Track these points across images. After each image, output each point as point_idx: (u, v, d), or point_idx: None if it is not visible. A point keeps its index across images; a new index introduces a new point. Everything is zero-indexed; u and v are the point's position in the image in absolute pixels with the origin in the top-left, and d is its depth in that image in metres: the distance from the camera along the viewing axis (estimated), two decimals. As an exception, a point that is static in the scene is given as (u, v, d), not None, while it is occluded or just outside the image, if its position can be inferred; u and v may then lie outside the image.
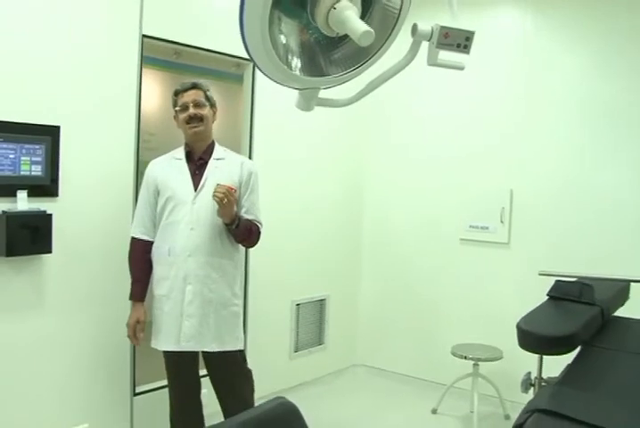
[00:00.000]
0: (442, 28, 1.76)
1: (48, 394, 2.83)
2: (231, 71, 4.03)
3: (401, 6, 1.71)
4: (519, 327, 1.99)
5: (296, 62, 1.71)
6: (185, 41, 3.33)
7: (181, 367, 2.87)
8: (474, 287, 4.34)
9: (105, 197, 3.03)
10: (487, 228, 4.27)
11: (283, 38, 1.66)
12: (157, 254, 2.81)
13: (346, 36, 1.68)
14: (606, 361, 1.92)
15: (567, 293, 2.24)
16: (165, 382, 3.03)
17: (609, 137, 3.81)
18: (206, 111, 2.84)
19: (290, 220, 4.15)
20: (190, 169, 2.82)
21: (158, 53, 3.21)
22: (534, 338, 1.91)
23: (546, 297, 2.39)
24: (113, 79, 3.04)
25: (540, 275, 2.47)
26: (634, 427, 1.40)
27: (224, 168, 2.84)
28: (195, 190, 2.77)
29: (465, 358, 3.85)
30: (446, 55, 1.83)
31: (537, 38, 4.07)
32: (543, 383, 2.00)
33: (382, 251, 4.85)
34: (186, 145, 2.89)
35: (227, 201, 2.59)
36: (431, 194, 4.57)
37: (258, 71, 3.67)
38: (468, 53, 1.82)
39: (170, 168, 2.84)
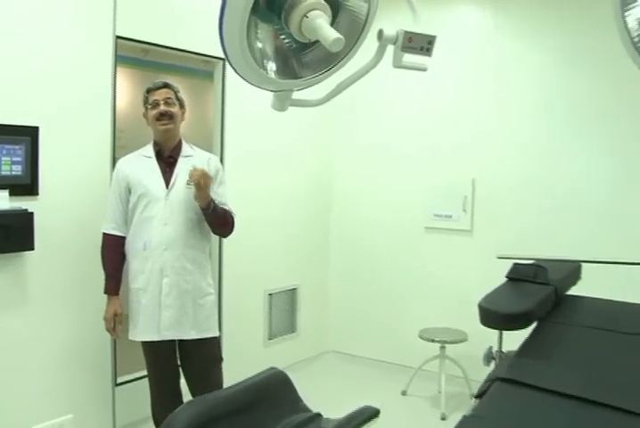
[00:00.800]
0: (406, 33, 1.91)
1: (33, 387, 2.92)
2: (200, 68, 4.12)
3: (368, 13, 1.85)
4: (480, 306, 2.18)
5: (271, 66, 1.83)
6: (158, 41, 3.42)
7: (160, 356, 2.95)
8: (439, 273, 4.53)
9: (83, 194, 3.12)
10: (450, 217, 4.46)
11: (259, 44, 1.78)
12: (132, 249, 2.90)
13: (316, 40, 1.82)
14: (559, 334, 2.12)
15: (524, 275, 2.45)
16: (145, 373, 3.13)
17: (568, 130, 4.02)
18: (176, 110, 2.92)
19: (261, 213, 4.28)
20: (160, 167, 2.91)
21: (126, 51, 3.28)
22: (494, 315, 2.10)
23: (506, 279, 2.59)
24: (89, 81, 3.12)
25: (499, 258, 2.66)
26: (582, 390, 1.58)
27: (192, 164, 2.90)
28: (167, 187, 2.87)
29: (432, 340, 4.04)
30: (410, 58, 1.97)
31: (498, 37, 4.26)
32: (503, 357, 2.18)
33: (350, 241, 5.02)
34: (155, 144, 2.97)
35: (204, 183, 2.70)
36: (397, 186, 4.75)
37: (228, 68, 3.81)
38: (430, 55, 1.96)
39: (141, 166, 2.91)
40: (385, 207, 4.80)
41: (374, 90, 4.53)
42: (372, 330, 4.91)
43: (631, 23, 1.72)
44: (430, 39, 1.94)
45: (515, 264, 2.56)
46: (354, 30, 1.85)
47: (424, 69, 2.04)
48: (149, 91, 2.93)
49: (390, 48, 1.95)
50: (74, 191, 3.07)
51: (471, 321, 4.20)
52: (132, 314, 2.93)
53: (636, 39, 1.73)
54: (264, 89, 1.91)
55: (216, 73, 3.89)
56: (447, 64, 4.26)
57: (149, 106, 2.91)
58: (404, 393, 4.23)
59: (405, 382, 4.25)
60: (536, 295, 2.23)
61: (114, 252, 2.91)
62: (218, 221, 2.91)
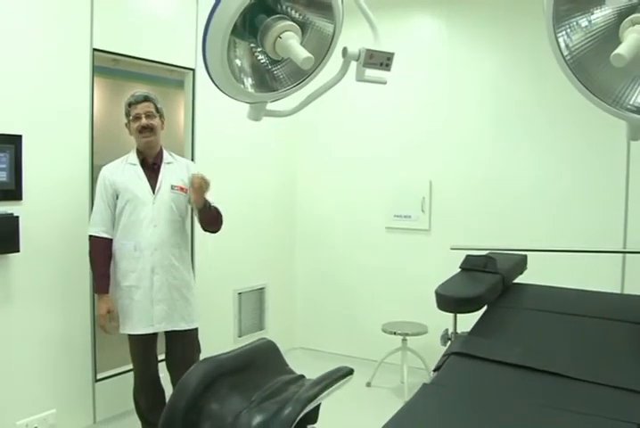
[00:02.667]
0: (367, 50, 2.15)
1: (17, 383, 3.06)
2: (170, 77, 4.26)
3: (333, 33, 2.08)
4: (437, 292, 2.47)
5: (248, 81, 2.05)
6: (132, 53, 3.60)
7: (148, 347, 3.17)
8: (400, 270, 4.79)
9: (64, 199, 3.28)
10: (409, 217, 4.72)
11: (237, 61, 2.00)
12: (122, 250, 3.10)
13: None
14: (506, 316, 2.40)
15: (475, 265, 2.73)
16: (123, 369, 3.41)
17: (519, 133, 4.32)
18: (156, 122, 3.14)
19: (230, 216, 4.42)
20: (145, 174, 3.14)
21: (97, 61, 3.43)
22: (449, 300, 2.39)
23: (459, 270, 2.89)
24: (68, 91, 3.29)
25: (452, 249, 2.96)
26: (523, 359, 1.84)
27: (174, 170, 3.21)
28: (153, 191, 3.11)
29: (394, 333, 4.28)
30: (371, 72, 2.21)
31: (452, 45, 4.55)
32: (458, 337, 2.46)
33: (315, 242, 5.24)
34: (139, 152, 3.18)
35: (204, 187, 3.02)
36: (359, 189, 5.00)
37: (198, 77, 4.01)
38: (389, 70, 2.21)
39: (127, 172, 3.12)
40: (348, 209, 5.04)
41: (336, 100, 4.76)
42: (337, 326, 5.13)
43: (562, 44, 1.94)
44: (389, 56, 2.18)
45: (467, 255, 2.85)
46: (321, 48, 2.08)
47: (384, 83, 2.28)
48: (130, 104, 3.12)
49: (354, 64, 2.19)
50: (56, 195, 3.23)
51: (430, 314, 4.46)
52: (124, 310, 3.12)
53: (568, 57, 1.94)
54: (241, 101, 2.12)
55: (186, 82, 4.06)
56: (404, 72, 4.49)
57: (131, 118, 3.12)
58: (368, 385, 4.45)
59: (369, 374, 4.47)
60: (486, 282, 2.52)
61: (103, 254, 3.10)
62: (212, 219, 3.20)
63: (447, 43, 4.56)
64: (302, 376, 1.62)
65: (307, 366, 4.81)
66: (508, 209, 4.34)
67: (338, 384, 1.54)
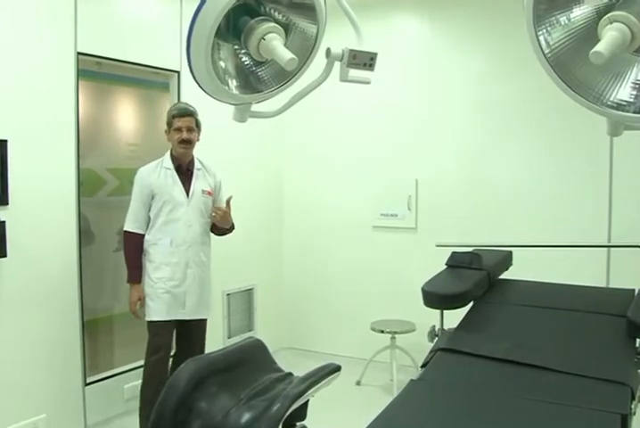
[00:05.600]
0: (351, 51, 2.17)
1: (7, 388, 3.05)
2: (155, 79, 4.25)
3: (317, 34, 2.10)
4: (423, 289, 2.49)
5: (233, 82, 2.07)
6: (116, 56, 3.61)
7: (169, 335, 3.43)
8: (387, 269, 4.82)
9: (51, 203, 3.28)
10: (396, 215, 4.75)
11: (222, 63, 2.01)
12: (158, 245, 3.38)
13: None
14: (492, 312, 2.43)
15: (461, 262, 2.76)
16: (112, 372, 3.43)
17: (503, 131, 4.37)
18: (194, 136, 3.47)
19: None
20: (180, 178, 3.43)
21: (80, 64, 3.45)
22: (435, 296, 2.41)
23: (445, 266, 2.92)
24: (53, 95, 3.29)
25: (437, 246, 2.98)
26: (506, 353, 1.86)
27: (203, 176, 3.55)
28: (187, 195, 3.42)
29: (382, 331, 4.30)
30: (355, 73, 2.23)
31: (435, 45, 4.58)
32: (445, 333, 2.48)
33: (303, 241, 5.26)
34: (175, 158, 3.46)
35: (226, 220, 3.49)
36: (345, 188, 5.02)
37: (183, 80, 4.01)
38: (373, 70, 2.23)
39: (163, 176, 3.41)
40: (334, 208, 5.06)
41: (320, 100, 4.75)
42: (326, 325, 5.16)
43: (542, 41, 1.95)
44: (372, 56, 2.20)
45: (453, 252, 2.88)
46: (305, 49, 2.10)
47: (368, 83, 2.30)
48: (174, 117, 3.42)
49: (338, 64, 2.21)
50: (42, 200, 3.23)
51: (418, 312, 4.47)
52: (155, 298, 3.36)
53: (549, 55, 1.96)
54: (226, 103, 2.14)
55: (171, 85, 4.07)
56: (389, 71, 4.52)
57: (172, 129, 3.42)
58: (358, 383, 4.47)
59: (359, 372, 4.49)
60: (471, 279, 2.55)
61: (138, 247, 3.39)
62: (227, 230, 3.65)
63: (430, 43, 4.60)
64: (290, 374, 1.64)
65: (296, 366, 4.82)
66: (494, 207, 4.37)
67: (325, 381, 1.57)
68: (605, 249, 3.94)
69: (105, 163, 3.86)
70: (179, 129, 3.39)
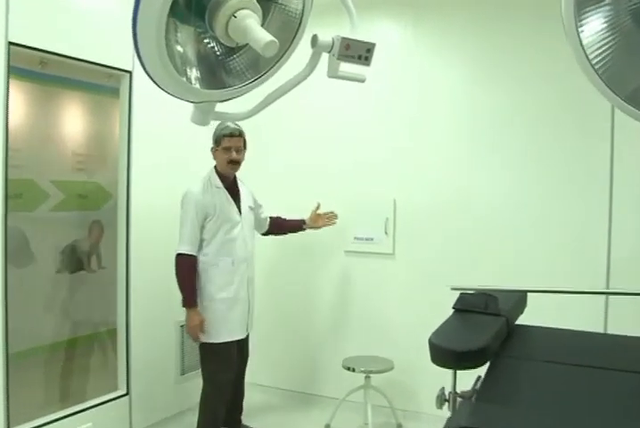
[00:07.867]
0: (343, 39, 1.74)
1: None
2: (105, 83, 3.81)
3: (302, 13, 1.65)
4: (432, 343, 1.96)
5: (194, 73, 1.60)
6: (57, 50, 3.14)
7: (234, 353, 3.56)
8: (361, 299, 4.36)
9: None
10: (371, 239, 4.31)
11: (179, 48, 1.55)
12: (219, 265, 3.42)
13: (245, 44, 1.60)
14: (518, 372, 1.94)
15: (473, 305, 2.27)
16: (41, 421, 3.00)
17: (488, 149, 3.95)
18: (242, 156, 3.55)
19: (164, 236, 3.89)
20: (231, 197, 3.52)
21: (21, 63, 2.99)
22: (449, 354, 1.89)
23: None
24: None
25: (452, 289, 2.43)
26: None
27: (245, 193, 3.66)
28: (239, 213, 3.52)
29: (354, 370, 3.82)
30: (346, 67, 1.80)
31: (419, 54, 4.17)
32: (458, 398, 1.98)
33: (269, 268, 4.71)
34: (222, 176, 3.52)
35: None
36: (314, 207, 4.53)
37: (135, 82, 3.55)
38: (369, 64, 1.81)
39: (216, 196, 3.46)
40: (303, 232, 4.51)
41: (293, 106, 4.31)
42: (294, 361, 4.66)
43: (586, 40, 1.60)
44: (369, 47, 1.79)
45: (462, 294, 2.39)
46: (287, 32, 1.65)
47: (362, 80, 1.88)
48: (224, 136, 3.46)
49: (325, 56, 1.77)
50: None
51: (395, 347, 4.08)
52: (219, 320, 3.42)
53: (591, 56, 1.61)
54: (185, 100, 1.67)
55: (122, 88, 3.63)
56: (368, 81, 4.13)
57: (221, 148, 3.47)
58: (327, 427, 3.99)
59: (329, 414, 4.01)
60: (489, 328, 2.05)
61: (192, 270, 3.39)
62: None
63: (415, 49, 4.18)
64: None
65: (259, 404, 4.38)
66: (479, 231, 3.96)
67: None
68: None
69: (49, 175, 3.41)
70: (228, 149, 3.45)
